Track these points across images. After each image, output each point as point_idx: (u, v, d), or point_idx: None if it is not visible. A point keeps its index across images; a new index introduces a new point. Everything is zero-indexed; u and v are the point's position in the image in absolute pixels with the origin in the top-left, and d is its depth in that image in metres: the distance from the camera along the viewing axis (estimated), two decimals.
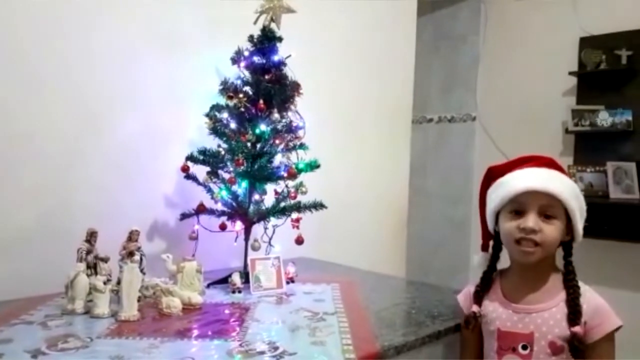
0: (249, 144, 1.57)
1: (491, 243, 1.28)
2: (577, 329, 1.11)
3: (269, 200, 1.64)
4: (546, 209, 1.14)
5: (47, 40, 1.48)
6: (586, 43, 3.08)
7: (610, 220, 2.84)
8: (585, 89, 3.11)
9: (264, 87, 1.56)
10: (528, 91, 3.37)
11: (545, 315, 1.15)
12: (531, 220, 1.13)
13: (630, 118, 2.90)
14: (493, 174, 1.26)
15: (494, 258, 1.27)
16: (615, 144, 2.98)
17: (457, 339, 1.33)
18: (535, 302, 1.18)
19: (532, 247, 1.15)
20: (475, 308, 1.22)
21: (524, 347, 1.15)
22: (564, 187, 1.15)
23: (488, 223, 1.26)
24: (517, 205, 1.16)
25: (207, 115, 1.60)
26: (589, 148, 3.08)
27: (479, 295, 1.25)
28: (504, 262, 1.27)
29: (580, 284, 1.18)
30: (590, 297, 1.16)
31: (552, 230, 1.14)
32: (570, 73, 3.10)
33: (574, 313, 1.13)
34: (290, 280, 1.64)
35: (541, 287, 1.19)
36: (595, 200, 2.81)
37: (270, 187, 1.65)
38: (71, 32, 1.53)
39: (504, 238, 1.21)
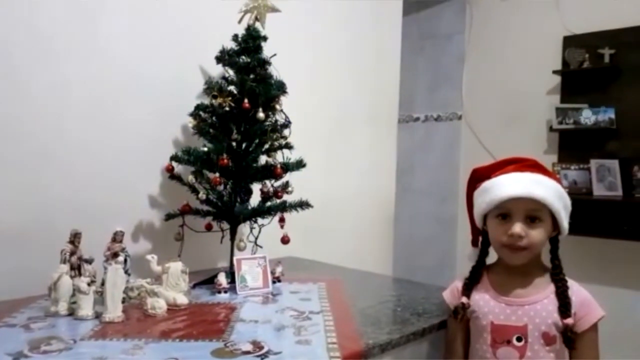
0: (234, 144, 1.57)
1: (480, 239, 1.31)
2: (569, 320, 1.15)
3: (254, 200, 1.64)
4: (531, 213, 1.18)
5: (31, 39, 1.47)
6: (570, 42, 3.11)
7: (594, 217, 2.88)
8: (569, 88, 3.14)
9: (249, 87, 1.55)
10: (513, 90, 3.40)
11: (537, 307, 1.19)
12: (517, 226, 1.17)
13: (613, 116, 2.93)
14: (478, 175, 1.29)
15: (483, 253, 1.30)
16: (599, 142, 3.01)
17: (442, 336, 1.34)
18: (526, 295, 1.21)
19: (519, 250, 1.19)
20: (464, 299, 1.25)
21: (519, 339, 1.18)
22: (547, 190, 1.17)
23: (476, 222, 1.30)
24: (503, 210, 1.20)
25: (192, 114, 1.60)
26: (572, 146, 3.12)
27: (468, 288, 1.27)
28: (492, 256, 1.29)
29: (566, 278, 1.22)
30: (576, 290, 1.21)
31: (537, 234, 1.18)
32: (554, 72, 3.13)
33: (565, 305, 1.17)
34: (277, 280, 1.64)
35: (530, 280, 1.23)
36: (579, 197, 2.84)
37: (255, 187, 1.65)
38: (56, 28, 1.51)
39: (492, 241, 1.25)
